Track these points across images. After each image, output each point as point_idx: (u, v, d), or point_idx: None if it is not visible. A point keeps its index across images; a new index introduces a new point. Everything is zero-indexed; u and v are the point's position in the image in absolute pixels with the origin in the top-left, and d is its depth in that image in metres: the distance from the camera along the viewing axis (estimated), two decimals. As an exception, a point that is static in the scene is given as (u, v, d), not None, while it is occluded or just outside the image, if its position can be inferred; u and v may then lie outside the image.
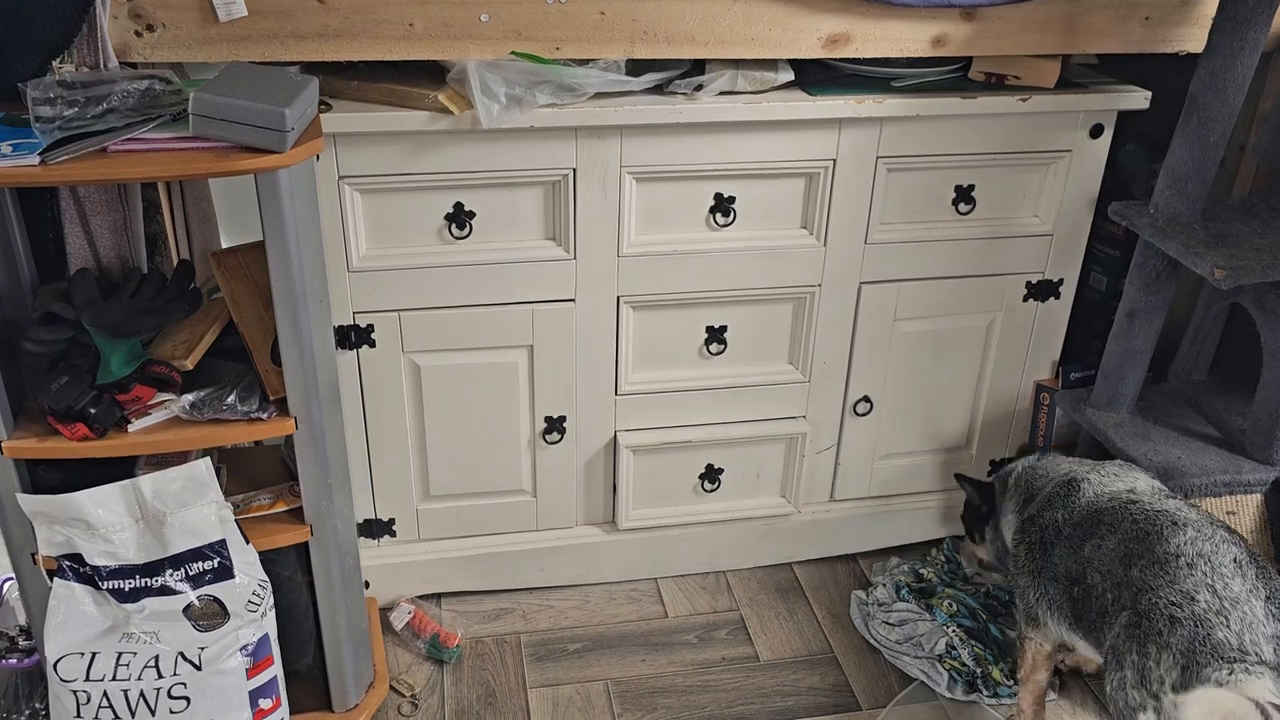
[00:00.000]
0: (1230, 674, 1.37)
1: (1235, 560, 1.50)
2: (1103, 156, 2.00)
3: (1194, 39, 1.89)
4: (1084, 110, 1.94)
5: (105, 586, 1.55)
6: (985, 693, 1.94)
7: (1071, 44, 1.87)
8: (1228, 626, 1.41)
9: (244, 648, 1.61)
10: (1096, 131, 1.97)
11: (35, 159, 1.33)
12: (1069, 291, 2.12)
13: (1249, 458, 1.89)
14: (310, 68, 1.67)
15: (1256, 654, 1.39)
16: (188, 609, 1.57)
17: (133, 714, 1.58)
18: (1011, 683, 1.95)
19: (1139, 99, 1.94)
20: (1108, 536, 1.61)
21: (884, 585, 2.17)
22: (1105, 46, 1.89)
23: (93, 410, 1.49)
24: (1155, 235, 1.83)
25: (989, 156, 1.95)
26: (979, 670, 1.96)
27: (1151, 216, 1.86)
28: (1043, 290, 2.10)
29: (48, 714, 1.70)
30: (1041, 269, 2.08)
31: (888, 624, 2.08)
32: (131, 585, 1.55)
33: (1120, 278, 2.16)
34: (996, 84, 1.92)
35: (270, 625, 1.65)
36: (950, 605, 2.08)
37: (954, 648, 2.00)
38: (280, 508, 1.69)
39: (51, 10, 1.48)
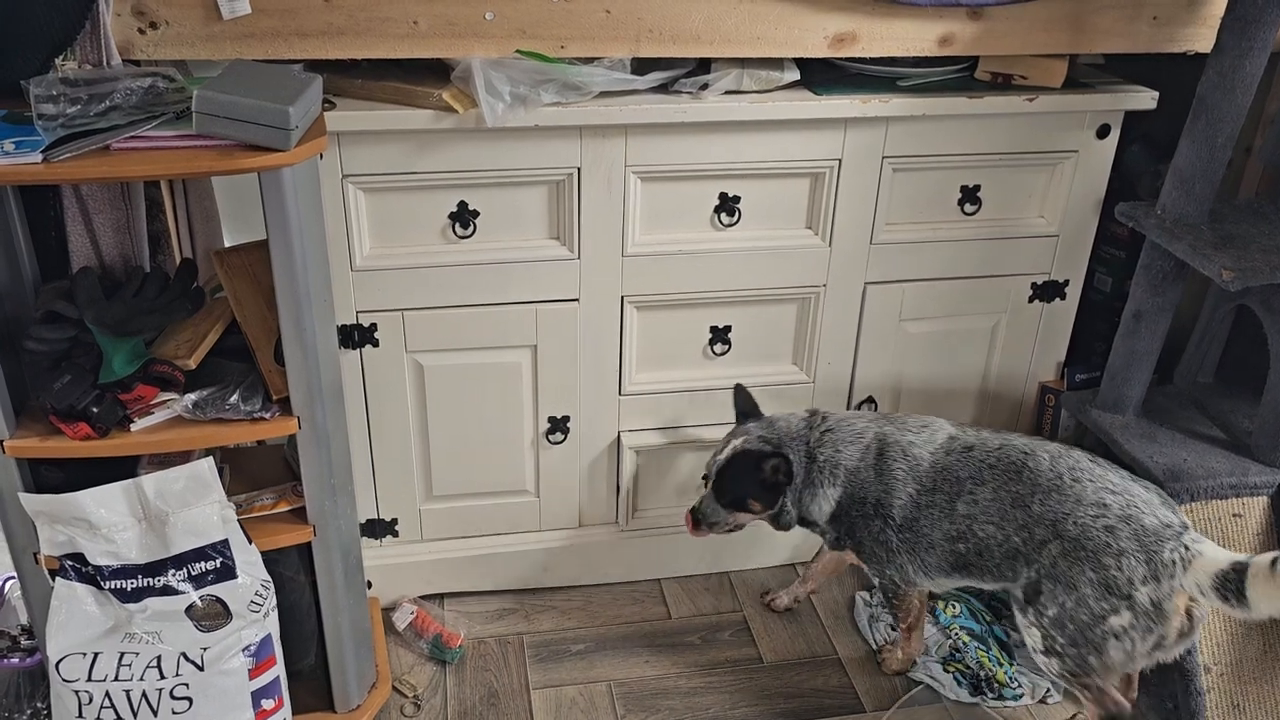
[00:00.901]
0: (1190, 543, 1.59)
1: (1091, 460, 1.70)
2: (1109, 157, 1.99)
3: (1202, 39, 1.88)
4: (1091, 110, 1.93)
5: (107, 586, 1.54)
6: (990, 695, 1.94)
7: (1078, 44, 1.86)
8: (1144, 513, 1.62)
9: (246, 648, 1.61)
10: (1103, 132, 1.96)
11: (38, 157, 1.32)
12: (1074, 292, 2.11)
13: (1255, 460, 1.88)
14: (314, 66, 1.66)
15: (1180, 522, 1.63)
16: (190, 609, 1.56)
17: (135, 714, 1.57)
18: (1017, 685, 1.94)
19: (1146, 99, 1.93)
20: (978, 490, 1.72)
21: (888, 587, 2.17)
22: (1112, 46, 1.88)
23: (95, 409, 1.48)
24: (1162, 236, 1.82)
25: (995, 157, 1.94)
26: (983, 673, 1.95)
27: (1159, 217, 1.85)
28: (1048, 291, 2.09)
29: (49, 714, 1.69)
30: (1047, 270, 2.07)
31: (892, 627, 2.07)
32: (134, 585, 1.54)
33: (1126, 279, 2.15)
34: (1003, 84, 1.91)
35: (273, 625, 1.64)
36: (954, 607, 2.07)
37: (958, 650, 1.99)
38: (283, 507, 1.69)
39: (54, 7, 1.47)
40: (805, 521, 1.87)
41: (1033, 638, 1.70)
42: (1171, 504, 1.66)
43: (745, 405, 1.91)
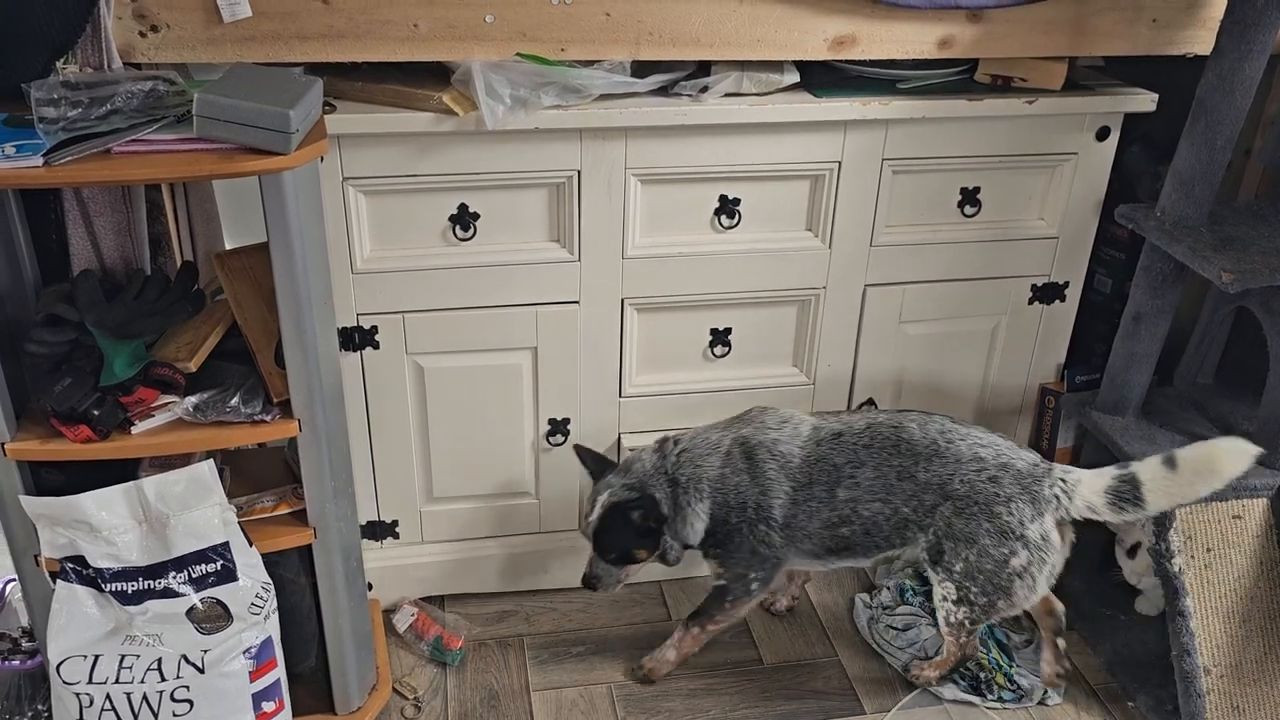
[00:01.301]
0: (1063, 474, 1.71)
1: (954, 420, 1.78)
2: (1109, 159, 2.00)
3: (1201, 41, 1.89)
4: (1090, 113, 1.93)
5: (108, 589, 1.54)
6: (989, 696, 1.94)
7: (1078, 46, 1.86)
8: (1015, 458, 1.72)
9: (247, 650, 1.61)
10: (1103, 134, 1.96)
11: (39, 160, 1.32)
12: (1074, 294, 2.11)
13: (1255, 462, 1.88)
14: (314, 69, 1.67)
15: (1043, 459, 1.75)
16: (191, 611, 1.56)
17: (135, 716, 1.57)
18: (1015, 687, 1.94)
19: (1146, 101, 1.94)
20: (858, 472, 1.74)
21: (888, 588, 2.17)
22: (1112, 49, 1.88)
23: (96, 412, 1.48)
24: (1162, 238, 1.82)
25: (995, 159, 1.94)
26: (983, 674, 1.95)
27: (1158, 219, 1.85)
28: (1048, 293, 2.09)
29: (50, 716, 1.70)
30: (1047, 272, 2.08)
31: (891, 627, 2.07)
32: (134, 587, 1.54)
33: (1125, 280, 2.15)
34: (1003, 86, 1.91)
35: (273, 628, 1.65)
36: (955, 609, 2.07)
37: (958, 651, 1.99)
38: (283, 510, 1.69)
39: (55, 10, 1.47)
40: (688, 547, 1.85)
41: (946, 590, 1.76)
42: (1028, 448, 1.77)
43: (594, 463, 1.89)
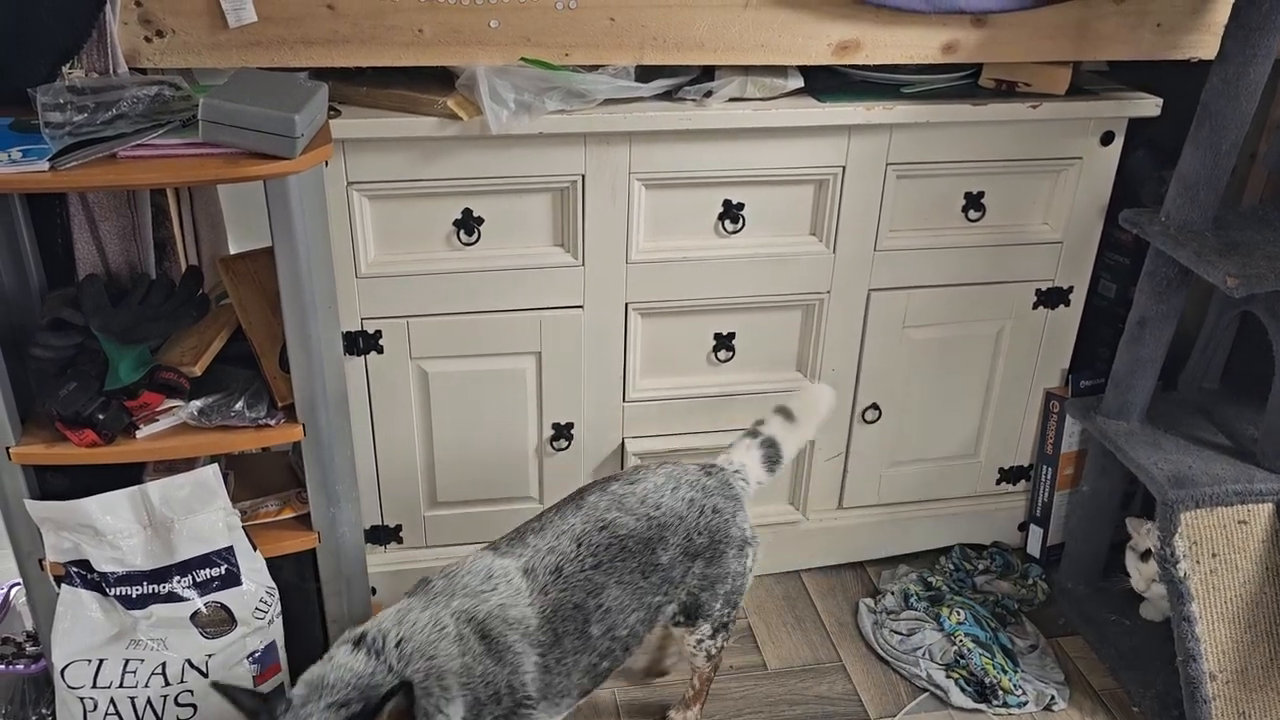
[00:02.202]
0: (732, 465, 1.74)
1: (630, 479, 1.67)
2: (1113, 163, 1.99)
3: (1206, 46, 1.88)
4: (1095, 117, 1.93)
5: (113, 593, 1.55)
6: (994, 702, 1.93)
7: (1082, 50, 1.86)
8: (695, 475, 1.69)
9: (251, 655, 1.61)
10: (1107, 139, 1.96)
11: (45, 165, 1.33)
12: (1079, 299, 2.11)
13: (1261, 467, 1.87)
14: (319, 74, 1.67)
15: (708, 462, 1.75)
16: (195, 616, 1.56)
17: (139, 721, 1.58)
18: (1021, 692, 1.94)
19: (1150, 106, 1.93)
20: (604, 598, 1.53)
21: (892, 593, 2.17)
22: (1116, 53, 1.88)
23: (101, 416, 1.49)
24: (1167, 243, 1.82)
25: (999, 163, 1.94)
26: (987, 679, 1.95)
27: (1163, 224, 1.85)
28: (1052, 297, 2.09)
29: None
30: (1051, 276, 2.07)
31: (896, 632, 2.07)
32: (139, 592, 1.55)
33: (1130, 285, 2.15)
34: (1007, 91, 1.91)
35: (277, 632, 1.65)
36: (959, 614, 2.07)
37: (962, 657, 1.99)
38: (287, 514, 1.69)
39: (61, 15, 1.48)
40: None
41: (703, 631, 1.71)
42: (674, 460, 1.75)
43: (252, 700, 1.33)
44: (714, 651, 1.76)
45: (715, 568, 1.67)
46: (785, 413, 1.81)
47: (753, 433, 1.79)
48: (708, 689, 1.86)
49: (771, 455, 1.78)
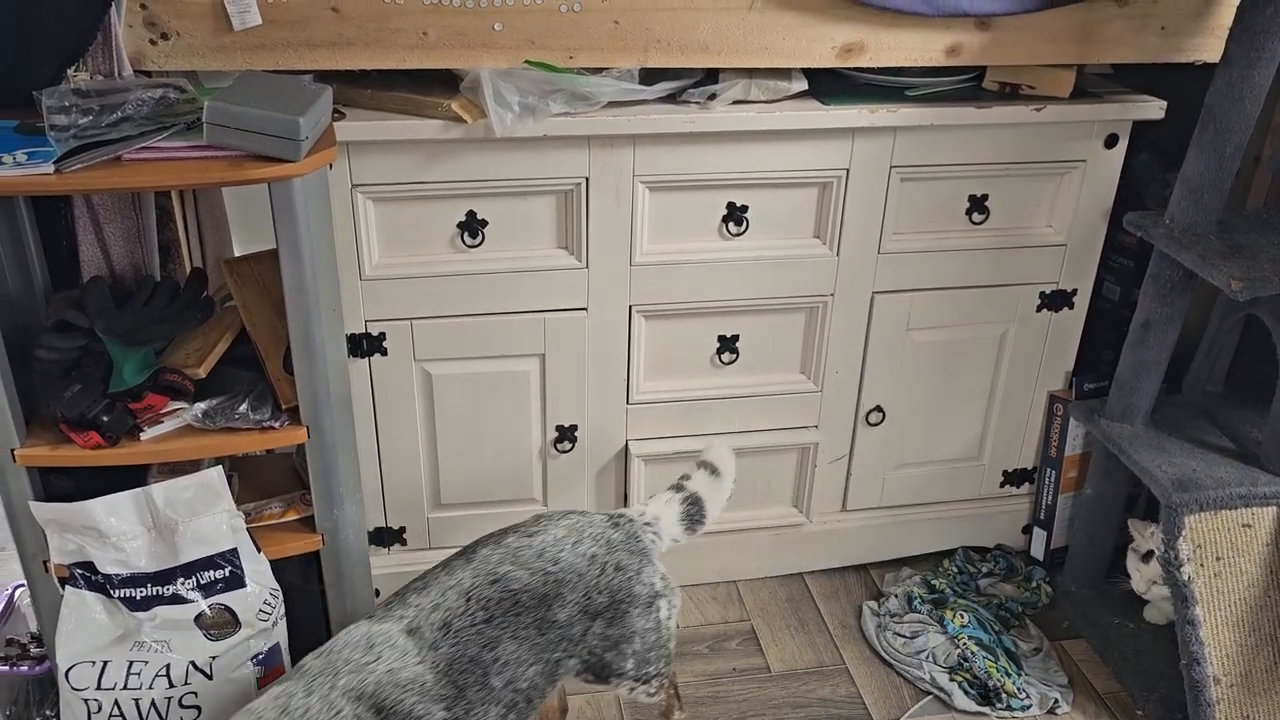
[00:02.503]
0: (644, 517, 1.65)
1: (527, 531, 1.58)
2: (1117, 166, 1.99)
3: (1210, 48, 1.88)
4: (1099, 120, 1.93)
5: (117, 595, 1.55)
6: (998, 705, 1.93)
7: (1086, 54, 1.86)
8: (597, 527, 1.60)
9: (255, 657, 1.61)
10: (1111, 141, 1.96)
11: (50, 167, 1.33)
12: (1083, 301, 2.11)
13: (1265, 470, 1.87)
14: (323, 76, 1.67)
15: (617, 511, 1.67)
16: (199, 618, 1.56)
17: (143, 723, 1.58)
18: (1025, 695, 1.94)
19: (1154, 109, 1.93)
20: (499, 651, 1.47)
21: (896, 596, 2.16)
22: (1120, 56, 1.88)
23: (105, 418, 1.49)
24: (1171, 246, 1.82)
25: (1003, 166, 1.94)
26: (991, 682, 1.95)
27: (1167, 227, 1.85)
28: (1056, 300, 2.09)
29: (58, 722, 1.70)
30: (1055, 279, 2.07)
31: (899, 635, 2.07)
32: (143, 594, 1.55)
33: (1134, 287, 2.15)
34: (1011, 93, 1.91)
35: (281, 634, 1.65)
36: (962, 617, 2.06)
37: (966, 660, 1.99)
38: (291, 516, 1.70)
39: (67, 18, 1.48)
40: None
41: (625, 686, 1.63)
42: (581, 510, 1.67)
43: None
44: (652, 693, 1.67)
45: (617, 628, 1.57)
46: (710, 467, 1.75)
47: (677, 487, 1.73)
48: (674, 693, 1.77)
49: (694, 513, 1.70)
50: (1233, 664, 1.81)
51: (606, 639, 1.57)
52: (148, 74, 1.59)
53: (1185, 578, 1.79)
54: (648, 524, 1.65)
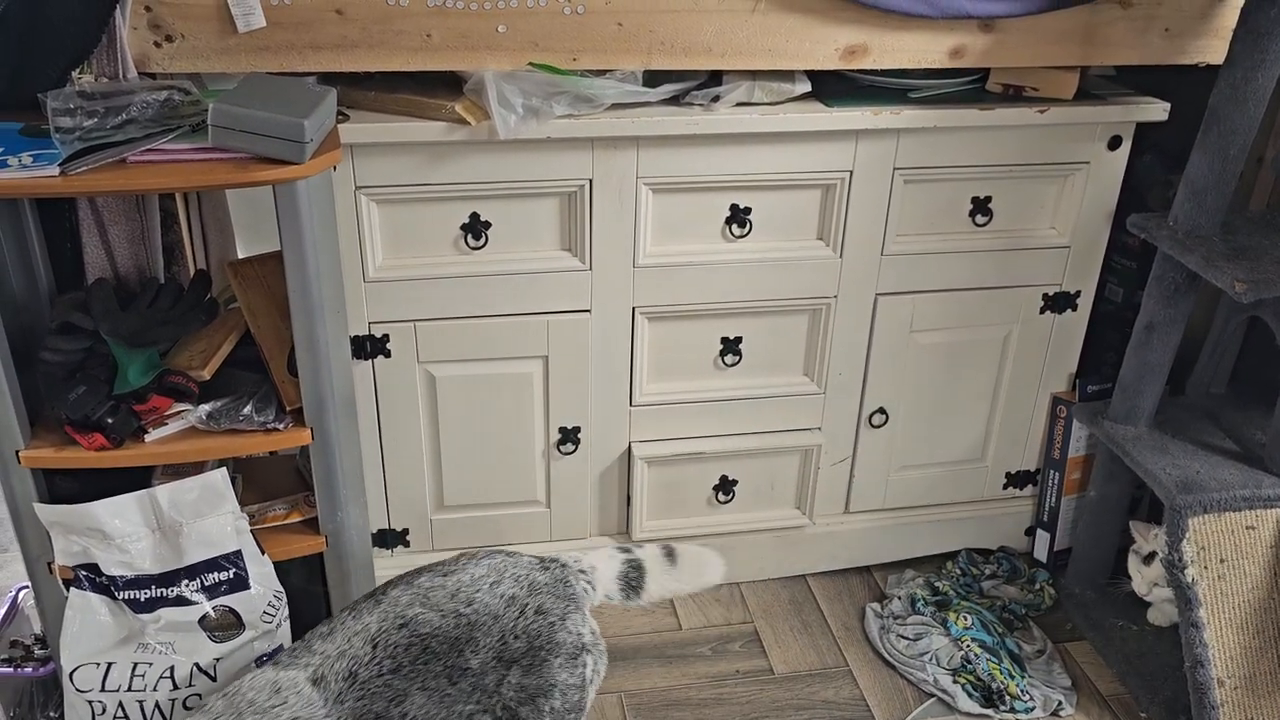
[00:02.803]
0: (580, 565, 1.56)
1: (443, 571, 1.49)
2: (1121, 168, 1.99)
3: (1214, 50, 1.88)
4: (1102, 122, 1.93)
5: (121, 596, 1.55)
6: (1001, 708, 1.93)
7: (1090, 55, 1.86)
8: (523, 571, 1.50)
9: (259, 659, 1.61)
10: (1115, 143, 1.96)
11: (55, 169, 1.33)
12: (1086, 303, 2.11)
13: (1269, 472, 1.87)
14: (327, 78, 1.67)
15: (549, 556, 1.56)
16: (203, 619, 1.57)
17: (147, 724, 1.58)
18: (1029, 697, 1.94)
19: (1158, 111, 1.93)
20: (407, 706, 1.38)
21: (899, 598, 2.16)
22: (1124, 58, 1.88)
23: (110, 420, 1.49)
24: (1175, 248, 1.82)
25: (1006, 168, 1.94)
26: (995, 685, 1.94)
27: (1171, 229, 1.85)
28: (1060, 302, 2.09)
29: (62, 723, 1.70)
30: (1058, 281, 2.07)
31: (903, 637, 2.07)
32: (147, 595, 1.55)
33: (1137, 289, 2.15)
34: (1014, 95, 1.91)
35: (285, 636, 1.65)
36: (965, 619, 2.06)
37: (969, 662, 1.99)
38: (295, 518, 1.70)
39: (71, 21, 1.48)
40: None
41: None
42: (509, 550, 1.56)
43: None
44: None
45: (535, 678, 1.43)
46: (669, 551, 1.67)
47: (624, 548, 1.66)
48: None
49: (632, 579, 1.61)
50: (1237, 666, 1.80)
51: (523, 690, 1.43)
52: (152, 76, 1.59)
53: (1189, 580, 1.79)
54: (582, 571, 1.56)
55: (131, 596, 1.55)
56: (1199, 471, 1.87)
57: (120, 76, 1.54)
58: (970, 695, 1.94)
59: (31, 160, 1.34)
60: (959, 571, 2.24)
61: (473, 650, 1.41)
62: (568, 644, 1.46)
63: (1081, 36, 1.84)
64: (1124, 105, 1.93)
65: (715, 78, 1.82)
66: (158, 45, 1.58)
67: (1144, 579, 2.02)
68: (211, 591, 1.56)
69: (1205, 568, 1.80)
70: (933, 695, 1.97)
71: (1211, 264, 1.74)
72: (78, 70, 1.51)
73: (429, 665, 1.39)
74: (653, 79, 1.78)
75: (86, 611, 1.56)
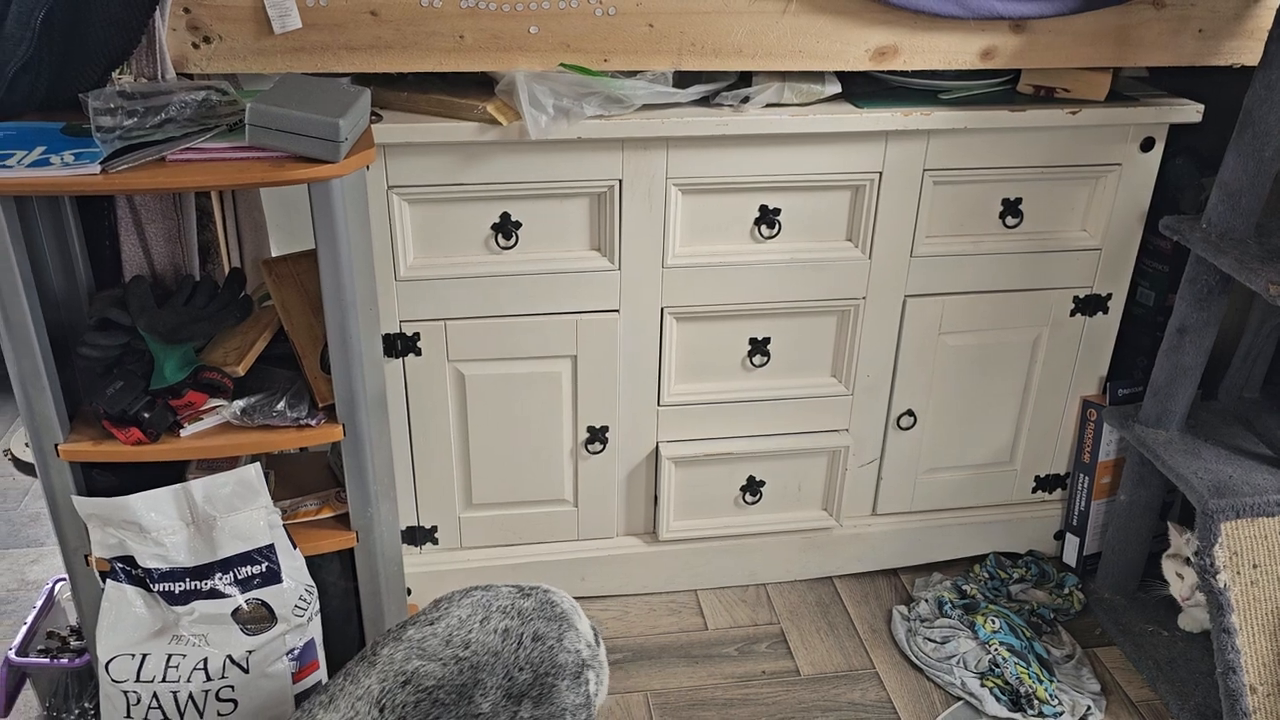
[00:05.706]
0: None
1: (397, 637, 1.43)
2: (1153, 170, 1.98)
3: (1249, 51, 1.87)
4: (1135, 124, 1.92)
5: (156, 589, 1.57)
6: (1030, 712, 1.92)
7: (1122, 57, 1.85)
8: (512, 597, 1.49)
9: (290, 652, 1.63)
10: (1147, 145, 1.95)
11: (96, 168, 1.35)
12: (1117, 306, 2.09)
13: (1302, 477, 1.85)
14: (361, 79, 1.69)
15: (529, 586, 1.54)
16: (236, 612, 1.58)
17: (181, 715, 1.60)
18: (1057, 702, 1.92)
19: (1191, 112, 1.92)
20: None
21: (926, 601, 2.16)
22: (1157, 59, 1.87)
23: (146, 415, 1.51)
24: (1208, 250, 1.80)
25: (1037, 170, 1.93)
26: (1023, 689, 1.93)
27: (1204, 231, 1.83)
28: (1090, 305, 2.08)
29: (97, 713, 1.73)
30: (1089, 283, 2.06)
31: (930, 640, 2.06)
32: (181, 588, 1.57)
33: (1168, 292, 2.13)
34: (1046, 96, 1.90)
35: (316, 630, 1.67)
36: (993, 622, 2.05)
37: (997, 666, 1.98)
38: (326, 514, 1.71)
39: (112, 23, 1.51)
40: None
41: None
42: (484, 585, 1.54)
43: None
44: None
45: (546, 707, 1.40)
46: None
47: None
48: None
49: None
50: (1269, 673, 1.78)
51: (537, 703, 1.40)
52: (190, 77, 1.62)
53: (1221, 585, 1.77)
54: (558, 592, 1.54)
55: (166, 589, 1.57)
56: (1231, 476, 1.85)
57: (159, 77, 1.56)
58: (998, 699, 1.93)
59: (73, 158, 1.37)
60: (987, 575, 2.23)
61: (481, 693, 1.38)
62: (570, 664, 1.44)
63: (1114, 37, 1.83)
64: (1157, 107, 1.92)
65: (745, 79, 1.83)
66: (196, 46, 1.61)
67: (1186, 583, 2.00)
68: (244, 585, 1.58)
69: (1238, 573, 1.78)
70: (960, 699, 1.96)
71: (1245, 266, 1.73)
72: (118, 71, 1.54)
73: (441, 718, 1.36)
74: (683, 80, 1.78)
75: (122, 603, 1.58)
